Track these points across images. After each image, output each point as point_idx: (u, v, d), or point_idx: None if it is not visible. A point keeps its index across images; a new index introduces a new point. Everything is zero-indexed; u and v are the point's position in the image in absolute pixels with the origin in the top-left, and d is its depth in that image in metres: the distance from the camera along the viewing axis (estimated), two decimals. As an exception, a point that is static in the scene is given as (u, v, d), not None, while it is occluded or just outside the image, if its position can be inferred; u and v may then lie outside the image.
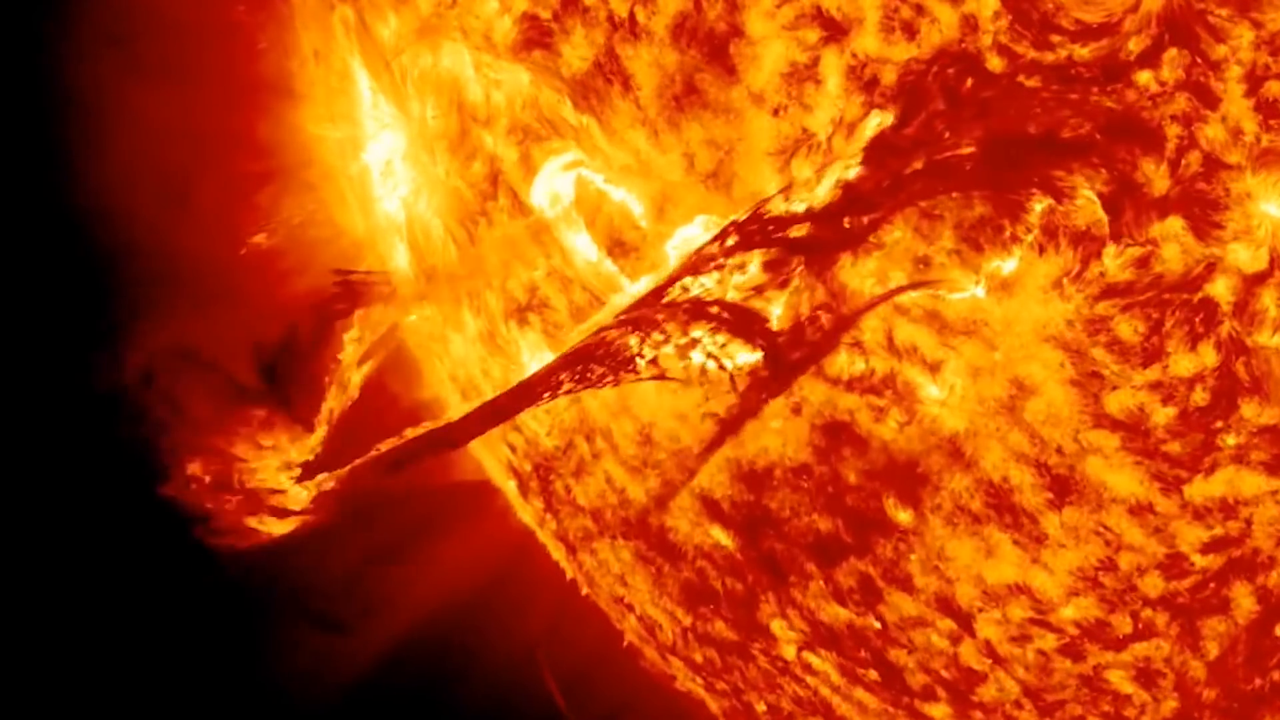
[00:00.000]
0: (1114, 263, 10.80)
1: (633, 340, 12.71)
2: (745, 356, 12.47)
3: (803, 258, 11.63)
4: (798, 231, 11.59)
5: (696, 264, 12.34)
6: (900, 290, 11.37)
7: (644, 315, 12.58)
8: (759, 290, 12.04)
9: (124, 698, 15.90)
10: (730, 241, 12.06)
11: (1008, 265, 11.05)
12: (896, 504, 12.34)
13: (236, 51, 14.02)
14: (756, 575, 13.70)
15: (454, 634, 16.83)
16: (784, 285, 11.81)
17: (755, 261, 12.09)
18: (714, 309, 12.45)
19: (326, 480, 13.47)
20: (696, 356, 12.64)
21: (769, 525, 13.24)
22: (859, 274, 11.50)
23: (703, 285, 12.43)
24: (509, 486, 16.37)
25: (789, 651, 14.05)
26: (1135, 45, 10.28)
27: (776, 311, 12.01)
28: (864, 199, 11.12)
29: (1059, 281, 11.00)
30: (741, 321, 12.28)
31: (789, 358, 12.07)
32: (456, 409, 13.73)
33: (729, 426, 12.87)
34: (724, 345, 12.50)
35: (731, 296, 12.32)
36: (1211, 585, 11.55)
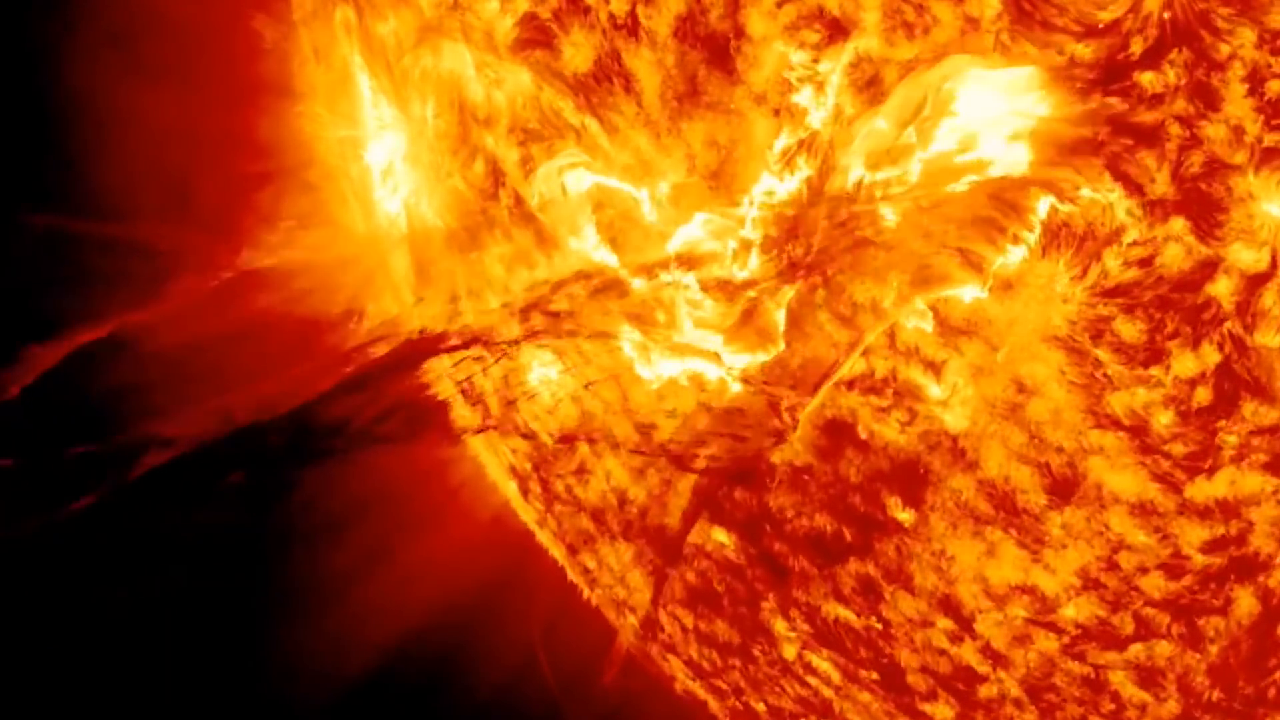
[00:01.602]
0: (1116, 263, 10.80)
1: (628, 330, 12.73)
2: (743, 358, 12.48)
3: (807, 260, 11.64)
4: (805, 234, 11.60)
5: (697, 263, 12.34)
6: (908, 299, 11.39)
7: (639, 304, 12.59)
8: (760, 294, 12.04)
9: (125, 698, 15.89)
10: (732, 242, 12.05)
11: (1010, 265, 11.05)
12: (898, 504, 12.34)
13: (237, 52, 14.01)
14: (757, 575, 13.70)
15: (454, 634, 16.81)
16: (788, 285, 11.82)
17: (756, 263, 12.08)
18: (713, 312, 12.45)
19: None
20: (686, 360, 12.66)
21: (770, 525, 13.23)
22: (863, 275, 11.50)
23: (701, 285, 12.42)
24: (509, 487, 16.35)
25: (790, 652, 14.04)
26: (1137, 46, 10.28)
27: (780, 318, 12.02)
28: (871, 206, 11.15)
29: (1061, 282, 11.00)
30: (743, 325, 12.28)
31: (793, 367, 12.07)
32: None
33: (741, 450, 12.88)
34: (722, 345, 12.51)
35: (732, 295, 12.32)
36: (1213, 585, 11.55)
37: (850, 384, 12.16)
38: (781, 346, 12.20)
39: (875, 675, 13.57)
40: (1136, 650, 12.05)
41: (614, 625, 16.42)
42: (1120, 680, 12.25)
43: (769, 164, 11.70)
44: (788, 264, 11.79)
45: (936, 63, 10.84)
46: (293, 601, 16.27)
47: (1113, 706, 12.45)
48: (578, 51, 12.11)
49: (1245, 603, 11.49)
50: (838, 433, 12.39)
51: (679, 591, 14.64)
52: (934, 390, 11.80)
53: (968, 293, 11.28)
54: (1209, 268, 10.55)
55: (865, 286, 11.52)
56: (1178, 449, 11.16)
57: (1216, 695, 11.91)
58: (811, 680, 14.21)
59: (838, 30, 11.10)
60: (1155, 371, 10.96)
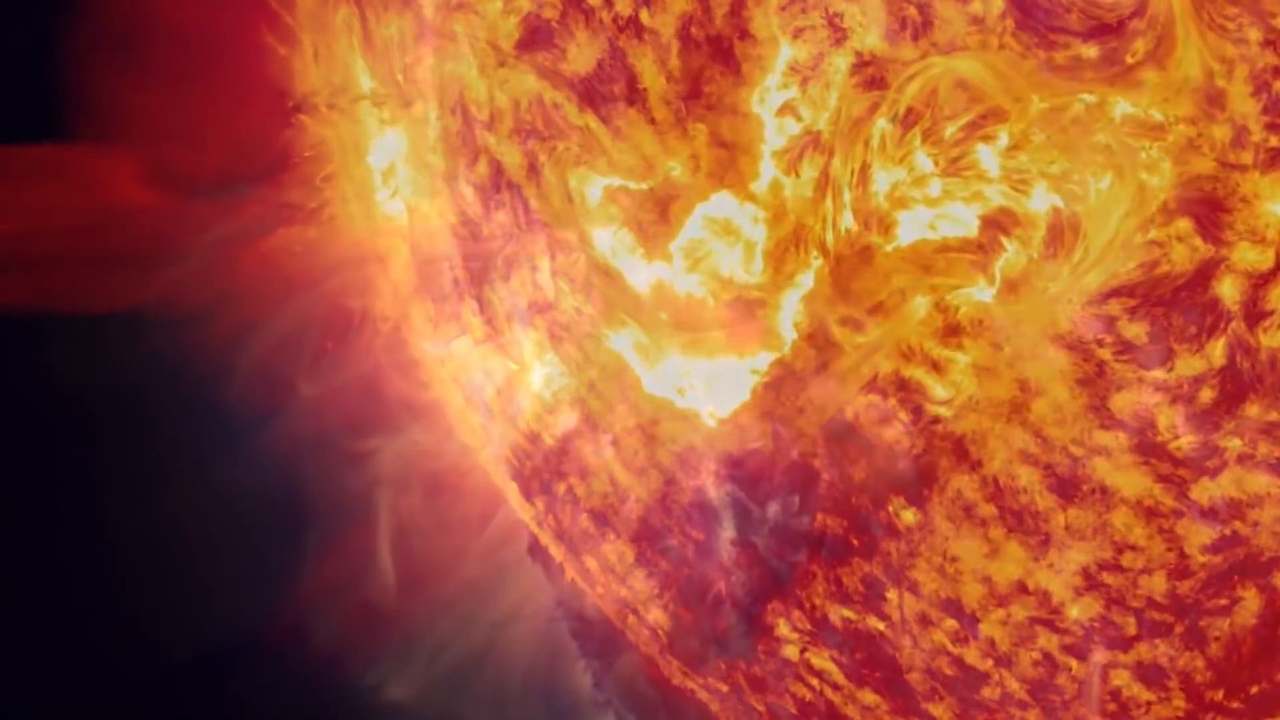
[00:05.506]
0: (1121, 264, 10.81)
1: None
2: (746, 359, 12.48)
3: (812, 261, 11.64)
4: (809, 235, 11.60)
5: (700, 263, 12.33)
6: (914, 300, 11.39)
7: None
8: (764, 295, 12.05)
9: (125, 696, 15.90)
10: (736, 242, 12.06)
11: (1015, 266, 11.05)
12: (902, 504, 12.34)
13: (239, 53, 14.01)
14: (760, 575, 13.70)
15: (454, 633, 16.81)
16: (793, 286, 11.83)
17: (760, 263, 12.08)
18: (716, 312, 12.45)
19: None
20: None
21: (772, 525, 13.23)
22: (868, 276, 11.51)
23: (705, 285, 12.42)
24: (510, 487, 16.35)
25: (792, 652, 14.04)
26: (1142, 46, 10.28)
27: (784, 319, 12.02)
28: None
29: (1065, 282, 11.00)
30: (746, 325, 12.28)
31: (796, 369, 12.08)
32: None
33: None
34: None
35: (735, 292, 12.32)
36: (1217, 585, 11.56)
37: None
38: (785, 348, 12.21)
39: (878, 675, 13.58)
40: (1140, 650, 12.06)
41: (615, 625, 16.44)
42: (1124, 680, 12.26)
43: (773, 164, 11.70)
44: (792, 265, 11.80)
45: (941, 62, 10.84)
46: (291, 601, 16.27)
47: (1115, 707, 12.46)
48: (581, 52, 12.11)
49: (1249, 604, 11.50)
50: (841, 432, 12.39)
51: (679, 592, 14.64)
52: (938, 390, 11.80)
53: (974, 293, 11.28)
54: (1214, 268, 10.55)
55: (870, 287, 11.53)
56: (1182, 449, 11.16)
57: (1221, 696, 11.92)
58: (814, 680, 14.21)
59: (842, 30, 11.10)
60: (1160, 372, 10.96)
